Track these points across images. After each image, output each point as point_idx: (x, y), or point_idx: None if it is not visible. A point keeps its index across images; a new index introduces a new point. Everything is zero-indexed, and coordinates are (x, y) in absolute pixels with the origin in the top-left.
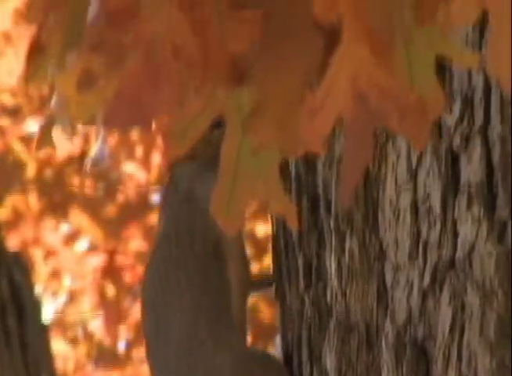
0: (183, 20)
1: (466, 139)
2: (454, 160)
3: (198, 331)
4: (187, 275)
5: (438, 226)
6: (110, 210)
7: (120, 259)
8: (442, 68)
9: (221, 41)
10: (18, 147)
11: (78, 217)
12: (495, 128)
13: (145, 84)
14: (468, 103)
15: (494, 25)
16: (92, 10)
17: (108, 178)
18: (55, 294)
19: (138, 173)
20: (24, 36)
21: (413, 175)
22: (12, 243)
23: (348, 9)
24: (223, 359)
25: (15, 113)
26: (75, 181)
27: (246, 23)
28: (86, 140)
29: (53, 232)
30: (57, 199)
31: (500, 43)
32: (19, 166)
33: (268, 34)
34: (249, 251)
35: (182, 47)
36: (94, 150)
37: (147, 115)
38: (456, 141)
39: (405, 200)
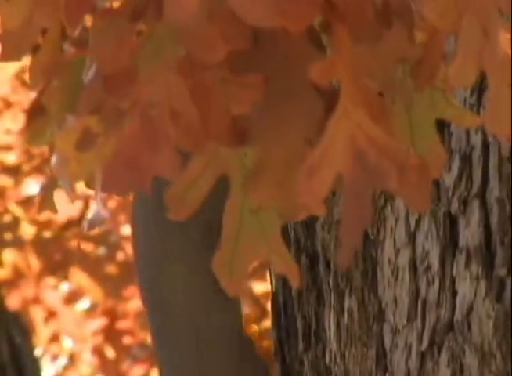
0: (182, 85)
1: (465, 203)
2: (452, 224)
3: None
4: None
5: (437, 284)
6: (110, 269)
7: (120, 322)
8: (441, 126)
9: (223, 103)
10: (17, 211)
11: (78, 276)
12: (494, 191)
13: (142, 147)
14: (467, 161)
15: (493, 86)
16: (89, 74)
17: (107, 241)
18: (55, 356)
19: None
20: (23, 101)
21: (412, 238)
22: (13, 302)
23: (345, 73)
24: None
25: (15, 172)
26: (75, 243)
27: (248, 87)
28: (86, 204)
29: (53, 291)
30: (57, 258)
31: (499, 103)
32: (17, 225)
33: (269, 95)
34: (248, 310)
35: (181, 112)
36: (92, 211)
37: (145, 178)
38: (455, 204)
39: (404, 259)
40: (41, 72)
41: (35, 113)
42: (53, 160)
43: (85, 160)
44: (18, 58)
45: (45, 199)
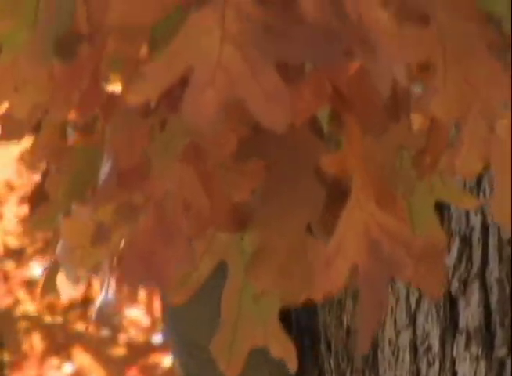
0: (193, 175)
1: (465, 284)
2: (452, 304)
3: None
4: None
5: (437, 365)
6: (114, 350)
7: None
8: (440, 208)
9: (223, 190)
10: (20, 293)
11: (81, 357)
12: (493, 272)
13: (157, 241)
14: (466, 242)
15: (498, 177)
16: (105, 170)
17: (111, 323)
18: None
19: (142, 317)
20: (27, 184)
21: (412, 319)
22: None
23: (357, 165)
24: None
25: (19, 255)
26: (78, 325)
27: (248, 174)
28: (89, 286)
29: (57, 372)
30: (61, 340)
31: (504, 194)
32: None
33: (270, 181)
34: None
35: (192, 201)
36: (99, 299)
37: (160, 272)
38: (455, 285)
39: (404, 340)
40: (41, 155)
41: (38, 198)
42: (58, 247)
43: (92, 252)
44: (19, 138)
45: (48, 282)
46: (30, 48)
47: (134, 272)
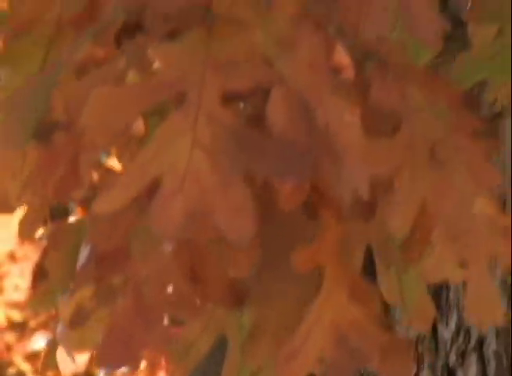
0: (173, 264)
1: (462, 356)
2: None
3: None
4: None
5: None
6: None
7: None
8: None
9: (220, 267)
10: (23, 365)
11: None
12: (491, 344)
13: (135, 324)
14: (464, 315)
15: (473, 278)
16: (84, 252)
17: None
18: None
19: None
20: (29, 255)
21: None
22: None
23: (329, 258)
24: None
25: (21, 328)
26: None
27: (245, 252)
28: (91, 357)
29: None
30: None
31: (479, 294)
32: None
33: (265, 259)
34: None
35: (173, 285)
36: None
37: (137, 354)
38: (453, 357)
39: None
40: (30, 227)
41: (39, 276)
42: (59, 326)
43: (88, 333)
44: (9, 212)
45: (48, 358)
46: (3, 132)
47: (113, 353)
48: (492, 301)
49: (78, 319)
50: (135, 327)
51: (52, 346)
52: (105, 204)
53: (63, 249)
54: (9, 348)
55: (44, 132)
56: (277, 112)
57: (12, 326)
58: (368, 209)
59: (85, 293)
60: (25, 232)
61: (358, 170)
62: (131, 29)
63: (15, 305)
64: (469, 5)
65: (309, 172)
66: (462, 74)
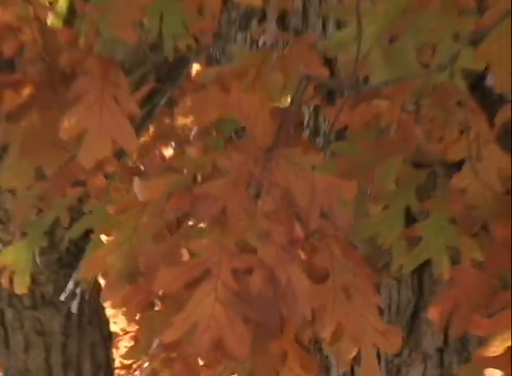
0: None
1: None
2: None
3: None
4: None
5: None
6: None
7: None
8: None
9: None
10: None
11: None
12: None
13: None
14: None
15: (364, 356)
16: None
17: None
18: None
19: None
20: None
21: None
22: None
23: (290, 345)
24: None
25: None
26: None
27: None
28: None
29: None
30: None
31: (368, 367)
32: None
33: (254, 347)
34: None
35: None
36: None
37: None
38: None
39: None
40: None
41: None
42: None
43: None
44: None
45: None
46: None
47: None
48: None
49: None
50: None
51: None
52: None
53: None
54: None
55: None
56: (257, 284)
57: None
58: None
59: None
60: None
61: (304, 304)
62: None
63: None
64: None
65: (277, 317)
66: None
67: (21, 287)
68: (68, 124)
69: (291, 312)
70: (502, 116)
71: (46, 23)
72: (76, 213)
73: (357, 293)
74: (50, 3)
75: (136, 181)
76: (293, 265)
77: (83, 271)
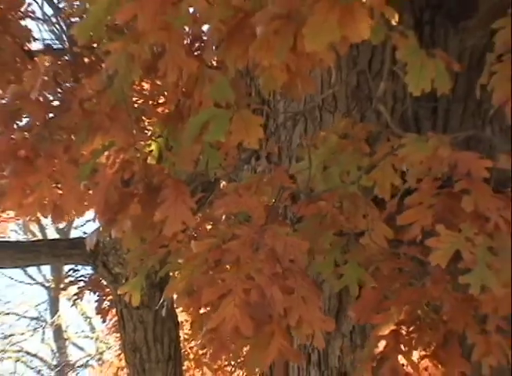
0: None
1: None
2: None
3: None
4: None
5: None
6: None
7: None
8: None
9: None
10: None
11: None
12: None
13: None
14: None
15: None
16: None
17: None
18: None
19: None
20: None
21: None
22: None
23: None
24: None
25: None
26: None
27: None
28: None
29: None
30: None
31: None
32: None
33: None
34: None
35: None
36: None
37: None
38: None
39: None
40: None
41: None
42: None
43: None
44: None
45: None
46: None
47: None
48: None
49: None
50: None
51: None
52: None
53: None
54: None
55: None
56: (255, 297)
57: None
58: None
59: None
60: None
61: (280, 307)
62: None
63: None
64: None
65: (266, 314)
66: None
67: (136, 302)
68: (159, 214)
69: (274, 311)
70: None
71: (146, 161)
72: (163, 262)
73: (309, 300)
74: (150, 150)
75: (193, 243)
76: (274, 286)
77: (166, 292)
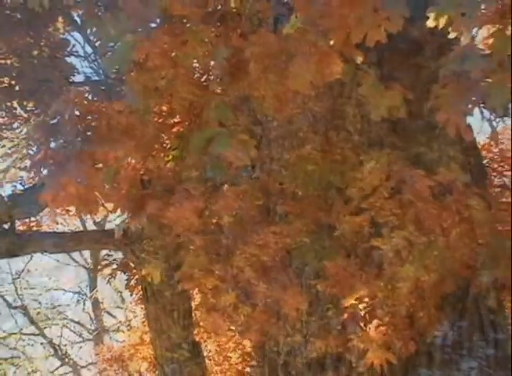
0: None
1: None
2: None
3: None
4: None
5: None
6: None
7: None
8: None
9: None
10: None
11: None
12: None
13: None
14: None
15: None
16: None
17: None
18: None
19: None
20: None
21: None
22: None
23: None
24: None
25: None
26: None
27: None
28: None
29: None
30: None
31: None
32: None
33: None
34: None
35: None
36: None
37: None
38: None
39: None
40: None
41: None
42: None
43: None
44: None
45: None
46: None
47: None
48: None
49: None
50: None
51: None
52: None
53: None
54: None
55: None
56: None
57: None
58: None
59: None
60: None
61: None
62: None
63: None
64: None
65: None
66: None
67: (156, 279)
68: (170, 214)
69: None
70: None
71: (162, 168)
72: (177, 250)
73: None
74: (167, 161)
75: (196, 237)
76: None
77: (178, 275)
